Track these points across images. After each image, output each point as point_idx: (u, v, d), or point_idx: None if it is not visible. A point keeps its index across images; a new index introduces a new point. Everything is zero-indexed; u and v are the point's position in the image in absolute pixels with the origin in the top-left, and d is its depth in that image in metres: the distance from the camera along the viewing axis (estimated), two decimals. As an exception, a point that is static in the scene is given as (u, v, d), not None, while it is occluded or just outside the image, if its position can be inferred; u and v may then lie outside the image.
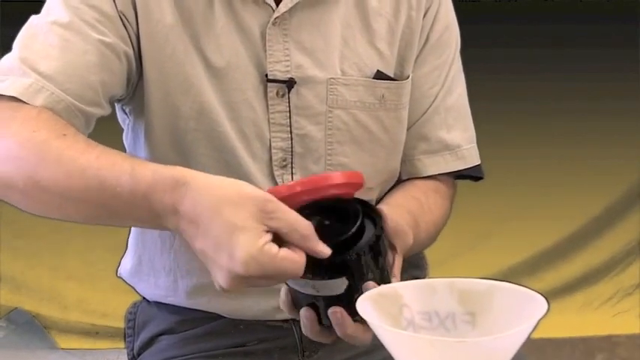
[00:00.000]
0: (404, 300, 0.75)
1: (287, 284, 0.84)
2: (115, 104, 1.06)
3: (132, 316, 1.17)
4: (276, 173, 1.03)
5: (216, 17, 0.99)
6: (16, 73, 0.92)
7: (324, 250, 0.77)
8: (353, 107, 1.03)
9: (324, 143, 1.03)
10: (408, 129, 1.10)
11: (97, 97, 0.95)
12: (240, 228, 0.75)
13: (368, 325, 0.72)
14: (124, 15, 0.97)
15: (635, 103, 2.92)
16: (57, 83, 0.91)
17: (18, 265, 2.62)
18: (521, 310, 0.71)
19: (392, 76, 1.06)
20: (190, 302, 1.09)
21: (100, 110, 0.97)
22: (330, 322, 0.82)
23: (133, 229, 1.14)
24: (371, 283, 0.80)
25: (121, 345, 1.21)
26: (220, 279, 0.78)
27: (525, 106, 2.93)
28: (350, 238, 0.81)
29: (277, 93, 1.00)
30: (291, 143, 1.02)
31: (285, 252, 0.76)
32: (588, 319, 2.62)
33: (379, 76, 1.04)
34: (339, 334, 0.82)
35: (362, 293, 0.77)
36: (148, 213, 0.80)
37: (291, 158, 1.03)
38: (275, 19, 0.99)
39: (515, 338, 0.67)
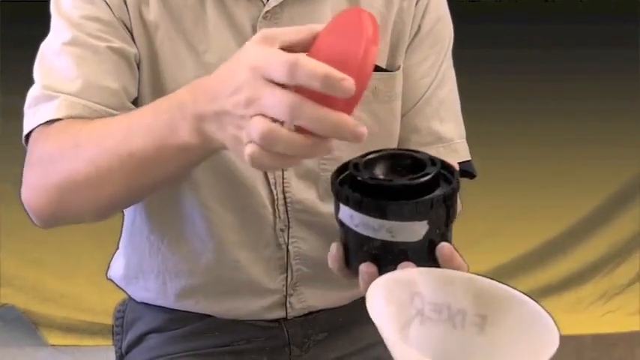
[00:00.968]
0: (418, 288, 0.71)
1: (350, 233, 0.77)
2: None
3: (120, 314, 1.15)
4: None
5: (208, 14, 0.97)
6: (43, 101, 0.93)
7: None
8: None
9: None
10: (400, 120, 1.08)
11: (122, 102, 0.95)
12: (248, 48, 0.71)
13: None
14: (121, 20, 0.97)
15: (635, 103, 2.90)
16: (85, 98, 0.92)
17: (7, 261, 2.59)
18: (532, 337, 0.67)
19: (384, 67, 1.03)
20: (179, 304, 1.08)
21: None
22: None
23: (123, 230, 1.12)
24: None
25: (110, 342, 1.19)
26: (252, 127, 0.68)
27: (525, 106, 2.91)
28: (430, 182, 0.76)
29: None
30: None
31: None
32: (578, 317, 2.60)
33: None
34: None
35: (437, 244, 0.74)
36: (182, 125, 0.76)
37: None
38: (266, 13, 0.97)
39: None
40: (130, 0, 0.96)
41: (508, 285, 0.72)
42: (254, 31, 0.97)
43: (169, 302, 1.08)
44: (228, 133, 0.71)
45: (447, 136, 1.08)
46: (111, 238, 1.16)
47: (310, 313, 1.09)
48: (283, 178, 1.02)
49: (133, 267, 1.10)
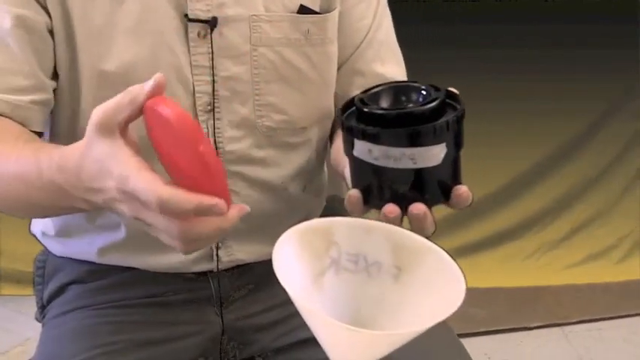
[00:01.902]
0: (335, 237, 0.73)
1: (369, 168, 0.76)
2: None
3: (41, 264, 1.15)
4: (200, 119, 1.00)
5: None
6: None
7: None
8: (278, 44, 1.01)
9: (250, 84, 1.01)
10: (341, 65, 1.09)
11: (40, 82, 0.95)
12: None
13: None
14: None
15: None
16: None
17: None
18: (443, 288, 0.69)
19: (317, 10, 1.04)
20: (103, 259, 1.08)
21: (50, 88, 0.97)
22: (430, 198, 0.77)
23: None
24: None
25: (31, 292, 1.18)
26: (167, 230, 0.72)
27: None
28: (440, 107, 0.76)
29: (199, 34, 0.98)
30: (215, 86, 0.99)
31: None
32: (514, 271, 2.64)
33: (303, 10, 1.02)
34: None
35: (453, 167, 0.76)
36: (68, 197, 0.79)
37: (215, 102, 1.00)
38: None
39: (411, 335, 0.65)
40: None
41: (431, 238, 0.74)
42: None
43: (92, 257, 1.08)
44: (117, 207, 0.74)
45: (390, 76, 1.09)
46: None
47: (238, 266, 1.10)
48: (215, 128, 1.01)
49: (55, 224, 1.10)
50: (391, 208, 0.76)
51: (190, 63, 0.98)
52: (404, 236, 0.73)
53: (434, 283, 0.70)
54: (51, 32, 0.95)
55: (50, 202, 0.83)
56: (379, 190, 0.78)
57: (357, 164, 0.78)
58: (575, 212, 2.83)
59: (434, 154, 0.75)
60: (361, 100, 0.79)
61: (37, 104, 0.95)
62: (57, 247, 1.13)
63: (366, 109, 0.77)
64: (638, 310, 2.49)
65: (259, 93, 1.02)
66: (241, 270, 1.11)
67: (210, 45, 0.98)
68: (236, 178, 1.04)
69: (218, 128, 1.01)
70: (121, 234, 1.05)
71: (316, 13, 1.03)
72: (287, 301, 1.06)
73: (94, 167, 0.74)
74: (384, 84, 0.82)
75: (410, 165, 0.75)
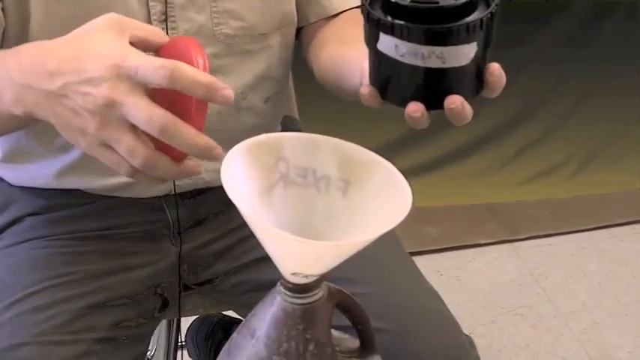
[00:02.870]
0: (283, 152, 0.72)
1: (394, 64, 0.72)
2: None
3: None
4: None
5: None
6: None
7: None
8: None
9: None
10: None
11: None
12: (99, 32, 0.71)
13: None
14: None
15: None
16: None
17: None
18: (390, 200, 0.68)
19: None
20: (59, 182, 1.05)
21: None
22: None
23: None
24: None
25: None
26: (134, 151, 0.69)
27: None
28: (471, 2, 0.71)
29: None
30: None
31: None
32: (465, 189, 2.68)
33: None
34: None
35: (481, 67, 0.73)
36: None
37: (170, 11, 0.96)
38: None
39: (357, 246, 0.64)
40: None
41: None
42: None
43: (49, 182, 1.06)
44: (59, 114, 0.71)
45: None
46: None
47: (193, 195, 1.09)
48: None
49: (10, 150, 1.07)
50: (415, 107, 0.73)
51: None
52: (352, 150, 0.73)
53: (382, 197, 0.70)
54: None
55: None
56: (402, 87, 0.75)
57: (378, 58, 0.74)
58: (524, 131, 2.85)
59: (465, 53, 0.71)
60: None
61: None
62: (10, 175, 1.10)
63: (394, 0, 0.71)
64: (587, 226, 2.54)
65: None
66: (197, 201, 1.09)
67: None
68: None
69: None
70: (75, 154, 1.02)
71: None
72: (242, 225, 1.06)
73: (76, 46, 0.70)
74: None
75: (438, 64, 0.71)
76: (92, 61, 0.69)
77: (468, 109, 0.74)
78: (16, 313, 0.96)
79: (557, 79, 2.97)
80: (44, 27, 0.92)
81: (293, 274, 0.66)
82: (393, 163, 0.71)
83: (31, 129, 1.00)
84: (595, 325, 2.12)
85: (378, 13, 0.72)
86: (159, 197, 1.08)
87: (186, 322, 1.57)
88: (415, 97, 0.74)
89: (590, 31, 3.01)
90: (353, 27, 0.94)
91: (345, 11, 1.07)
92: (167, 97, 0.70)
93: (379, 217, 0.68)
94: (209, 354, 1.52)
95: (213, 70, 0.99)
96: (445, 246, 2.41)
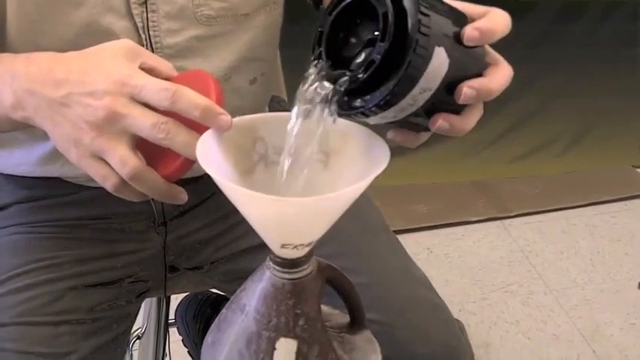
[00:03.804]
0: (260, 133, 0.71)
1: (394, 123, 0.71)
2: None
3: None
4: (134, 12, 0.91)
5: None
6: None
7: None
8: None
9: None
10: None
11: None
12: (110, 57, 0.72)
13: None
14: None
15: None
16: None
17: None
18: (368, 160, 0.68)
19: None
20: (42, 169, 1.03)
21: None
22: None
23: None
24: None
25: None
26: (124, 162, 0.70)
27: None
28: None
29: None
30: None
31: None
32: (454, 167, 2.69)
33: None
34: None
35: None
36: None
37: None
38: None
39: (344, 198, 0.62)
40: None
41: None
42: None
43: (32, 169, 1.03)
44: (57, 123, 0.72)
45: None
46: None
47: (181, 183, 1.07)
48: (150, 22, 0.93)
49: None
50: (439, 124, 0.72)
51: None
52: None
53: (361, 159, 0.69)
54: None
55: None
56: (415, 124, 0.73)
57: (380, 126, 0.74)
58: (514, 108, 2.84)
59: (420, 93, 0.68)
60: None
61: None
62: None
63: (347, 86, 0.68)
64: (578, 202, 2.54)
65: None
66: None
67: None
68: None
69: (153, 21, 0.93)
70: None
71: None
72: (228, 213, 1.04)
73: (86, 61, 0.72)
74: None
75: (427, 96, 0.68)
76: (99, 75, 0.70)
77: (458, 121, 0.74)
78: None
79: (547, 56, 2.96)
80: (20, 11, 0.89)
81: (282, 246, 0.65)
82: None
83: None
84: (586, 302, 2.13)
85: (353, 103, 0.69)
86: None
87: (176, 300, 1.58)
88: (429, 115, 0.72)
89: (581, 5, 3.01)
90: None
91: None
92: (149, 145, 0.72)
93: (359, 176, 0.66)
94: (198, 331, 1.52)
95: (195, 52, 0.98)
96: (434, 223, 2.41)
